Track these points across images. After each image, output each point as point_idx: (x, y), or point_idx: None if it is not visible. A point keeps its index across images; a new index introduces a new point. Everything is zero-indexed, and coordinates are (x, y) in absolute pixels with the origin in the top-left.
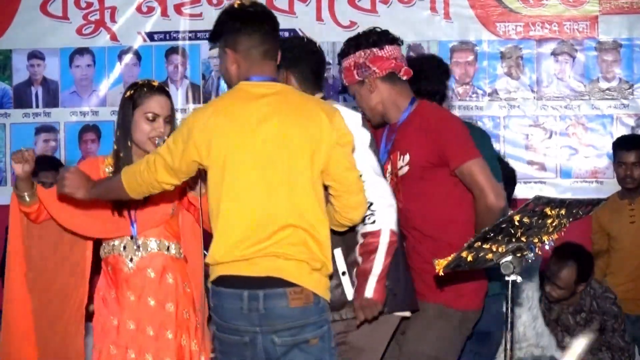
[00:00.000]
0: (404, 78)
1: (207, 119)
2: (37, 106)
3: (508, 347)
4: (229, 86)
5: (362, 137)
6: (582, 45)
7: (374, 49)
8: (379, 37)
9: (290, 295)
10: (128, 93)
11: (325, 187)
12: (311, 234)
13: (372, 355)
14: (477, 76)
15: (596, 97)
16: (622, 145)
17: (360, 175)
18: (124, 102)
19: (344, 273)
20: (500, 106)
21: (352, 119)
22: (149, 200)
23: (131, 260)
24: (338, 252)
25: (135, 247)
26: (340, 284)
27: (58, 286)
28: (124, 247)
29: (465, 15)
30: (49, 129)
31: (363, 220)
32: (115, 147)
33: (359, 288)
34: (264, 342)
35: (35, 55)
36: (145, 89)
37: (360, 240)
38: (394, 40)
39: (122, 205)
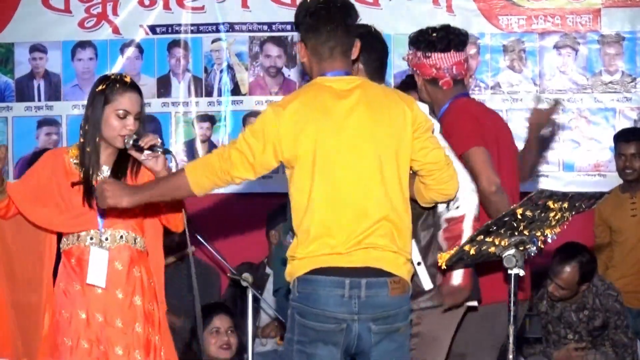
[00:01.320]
0: (443, 88)
1: (291, 114)
2: (39, 99)
3: (511, 340)
4: (309, 77)
5: (434, 125)
6: (584, 38)
7: (420, 54)
8: (431, 43)
9: (391, 285)
10: (100, 87)
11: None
12: (397, 225)
13: (443, 344)
14: (479, 69)
15: (599, 91)
16: (622, 137)
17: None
18: (95, 96)
19: (419, 263)
20: (503, 99)
21: (422, 107)
22: None
23: None
24: (412, 243)
25: (103, 239)
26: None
27: (21, 277)
28: (91, 238)
29: (468, 8)
30: (51, 122)
31: (447, 205)
32: (81, 139)
33: (446, 274)
34: (360, 329)
35: (37, 49)
36: (117, 85)
37: (444, 225)
38: (448, 47)
39: (91, 196)
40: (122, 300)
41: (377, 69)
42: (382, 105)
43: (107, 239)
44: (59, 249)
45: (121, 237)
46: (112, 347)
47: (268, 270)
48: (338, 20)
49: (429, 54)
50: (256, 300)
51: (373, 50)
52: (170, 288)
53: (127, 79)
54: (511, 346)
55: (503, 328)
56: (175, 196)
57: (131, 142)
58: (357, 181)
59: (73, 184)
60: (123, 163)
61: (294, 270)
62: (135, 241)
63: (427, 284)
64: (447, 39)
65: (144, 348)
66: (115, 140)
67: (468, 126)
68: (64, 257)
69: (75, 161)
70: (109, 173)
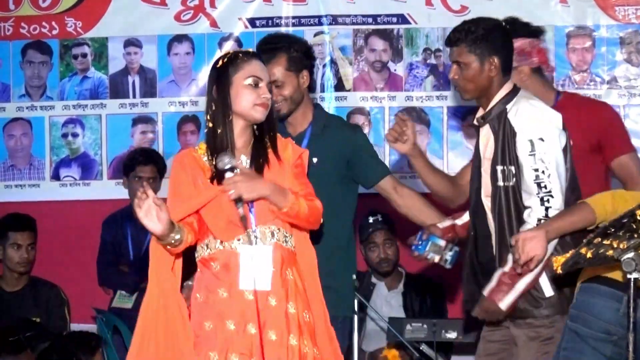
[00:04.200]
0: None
1: None
2: (134, 96)
3: (630, 348)
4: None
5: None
6: None
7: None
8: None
9: None
10: (220, 62)
11: None
12: None
13: None
14: (595, 63)
15: None
16: None
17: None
18: (218, 73)
19: None
20: (620, 95)
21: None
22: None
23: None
24: None
25: (252, 238)
26: None
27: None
28: (238, 239)
29: None
30: (147, 119)
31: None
32: (210, 125)
33: (497, 291)
34: (635, 344)
35: (132, 43)
36: (240, 55)
37: None
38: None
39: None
40: (275, 308)
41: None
42: None
43: (256, 237)
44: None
45: (272, 234)
46: None
47: (374, 279)
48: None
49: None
50: (362, 308)
51: (508, 47)
52: None
53: (249, 49)
54: (630, 354)
55: None
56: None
57: (228, 166)
58: None
59: (213, 179)
60: (262, 150)
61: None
62: (285, 240)
63: (547, 290)
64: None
65: None
66: (251, 112)
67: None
68: (202, 265)
69: (206, 156)
70: (248, 163)
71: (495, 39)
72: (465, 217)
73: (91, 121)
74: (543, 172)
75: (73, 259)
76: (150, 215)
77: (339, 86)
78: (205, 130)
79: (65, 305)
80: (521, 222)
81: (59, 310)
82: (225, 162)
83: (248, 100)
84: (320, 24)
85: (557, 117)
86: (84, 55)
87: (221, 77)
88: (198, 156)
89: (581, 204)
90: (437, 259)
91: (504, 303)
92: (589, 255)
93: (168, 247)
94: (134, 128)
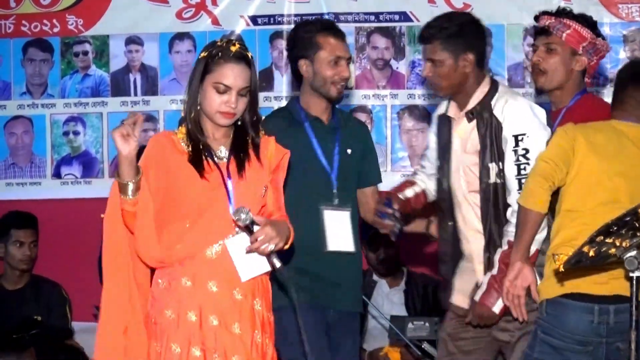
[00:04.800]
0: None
1: None
2: (136, 94)
3: (633, 347)
4: None
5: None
6: None
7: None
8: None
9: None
10: (203, 53)
11: None
12: None
13: None
14: None
15: None
16: None
17: None
18: (197, 64)
19: None
20: None
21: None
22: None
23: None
24: None
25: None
26: None
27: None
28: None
29: None
30: (148, 118)
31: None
32: (182, 114)
33: (488, 296)
34: (607, 350)
35: (133, 41)
36: (220, 54)
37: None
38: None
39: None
40: (241, 303)
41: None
42: None
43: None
44: None
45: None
46: (228, 357)
47: (375, 277)
48: None
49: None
50: (364, 305)
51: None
52: None
53: (234, 48)
54: (633, 352)
55: None
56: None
57: (248, 222)
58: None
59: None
60: (243, 145)
61: (550, 290)
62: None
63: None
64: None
65: None
66: (214, 116)
67: None
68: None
69: (185, 140)
70: (227, 153)
71: (469, 34)
72: (408, 193)
73: (92, 119)
74: (524, 168)
75: (74, 257)
76: (128, 141)
77: None
78: (182, 115)
79: (66, 303)
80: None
81: (60, 308)
82: (243, 219)
83: (210, 106)
84: None
85: (542, 113)
86: (85, 53)
87: (197, 69)
88: (177, 139)
89: (523, 211)
90: (391, 226)
91: (497, 307)
92: (591, 253)
93: (127, 195)
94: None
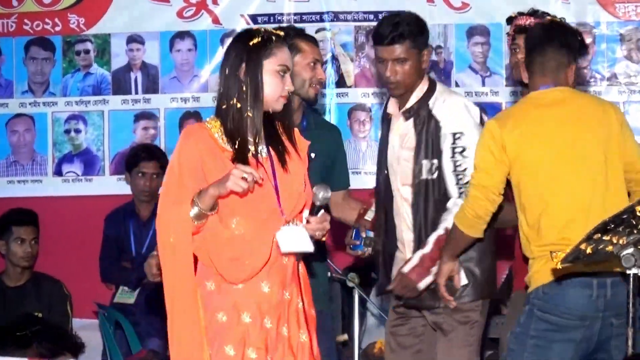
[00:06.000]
0: None
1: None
2: (137, 92)
3: (630, 344)
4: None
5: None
6: None
7: None
8: None
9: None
10: (253, 41)
11: None
12: None
13: None
14: (595, 60)
15: None
16: None
17: None
18: (249, 52)
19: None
20: (620, 91)
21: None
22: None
23: None
24: None
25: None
26: None
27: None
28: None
29: None
30: (149, 116)
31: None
32: (238, 106)
33: (417, 271)
34: (602, 325)
35: (134, 40)
36: (274, 38)
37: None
38: None
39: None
40: (288, 303)
41: None
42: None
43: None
44: None
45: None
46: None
47: (373, 274)
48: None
49: None
50: (363, 302)
51: None
52: None
53: (280, 32)
54: (629, 350)
55: None
56: (468, 244)
57: (324, 202)
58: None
59: (234, 161)
60: (279, 139)
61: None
62: None
63: (463, 280)
64: None
65: None
66: (275, 102)
67: None
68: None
69: (221, 134)
70: (265, 147)
71: (426, 32)
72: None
73: (94, 117)
74: (460, 164)
75: (75, 254)
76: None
77: (341, 83)
78: (224, 108)
79: (67, 300)
80: (440, 214)
81: (61, 305)
82: (321, 198)
83: (275, 91)
84: (321, 20)
85: (476, 112)
86: (87, 52)
87: (252, 57)
88: (212, 134)
89: (458, 231)
90: (369, 251)
91: (423, 283)
92: (588, 250)
93: (200, 220)
94: (136, 124)
